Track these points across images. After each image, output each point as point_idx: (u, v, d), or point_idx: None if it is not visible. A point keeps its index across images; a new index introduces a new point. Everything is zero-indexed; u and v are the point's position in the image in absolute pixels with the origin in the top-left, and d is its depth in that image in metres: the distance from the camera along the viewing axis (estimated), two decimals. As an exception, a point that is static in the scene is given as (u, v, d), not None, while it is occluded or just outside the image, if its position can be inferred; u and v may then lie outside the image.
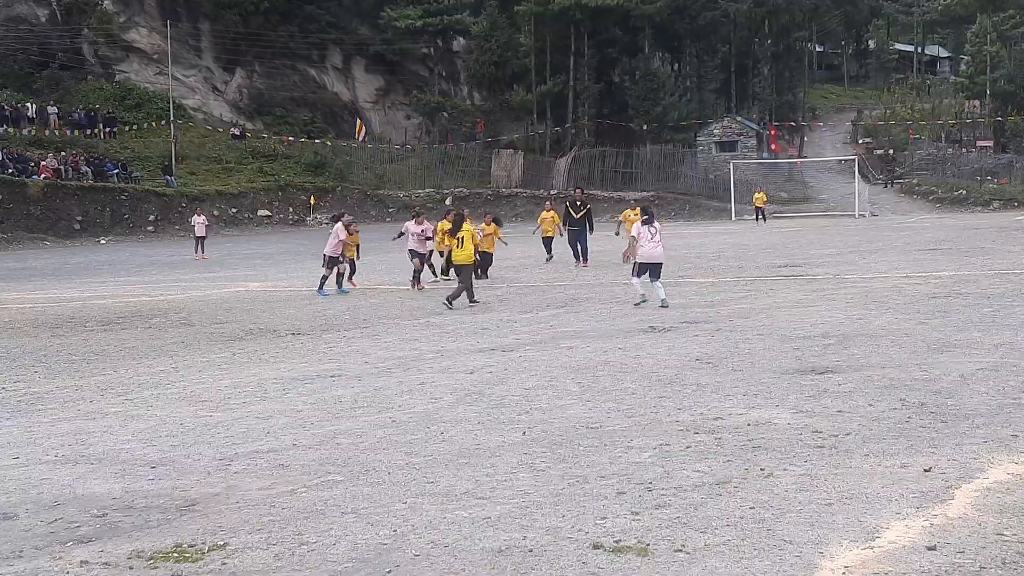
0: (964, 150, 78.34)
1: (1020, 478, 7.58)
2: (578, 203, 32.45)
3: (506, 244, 31.74)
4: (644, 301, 20.26)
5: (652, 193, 66.47)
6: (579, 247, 31.10)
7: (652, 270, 20.58)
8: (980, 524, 6.58)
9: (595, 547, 6.47)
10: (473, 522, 7.08)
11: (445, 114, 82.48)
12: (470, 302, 21.76)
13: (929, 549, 6.19)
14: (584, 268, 29.88)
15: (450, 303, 21.49)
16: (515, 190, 70.98)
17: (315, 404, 11.86)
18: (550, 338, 16.51)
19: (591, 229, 32.07)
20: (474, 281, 23.36)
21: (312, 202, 67.41)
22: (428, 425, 10.39)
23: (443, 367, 14.09)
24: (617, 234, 28.98)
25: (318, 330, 18.96)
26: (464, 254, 22.30)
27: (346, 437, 10.01)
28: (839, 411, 10.08)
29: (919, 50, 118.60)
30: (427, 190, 70.81)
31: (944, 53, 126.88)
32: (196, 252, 43.14)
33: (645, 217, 21.03)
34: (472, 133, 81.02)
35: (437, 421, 10.56)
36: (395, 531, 6.98)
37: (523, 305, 21.59)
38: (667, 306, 19.65)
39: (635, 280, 20.69)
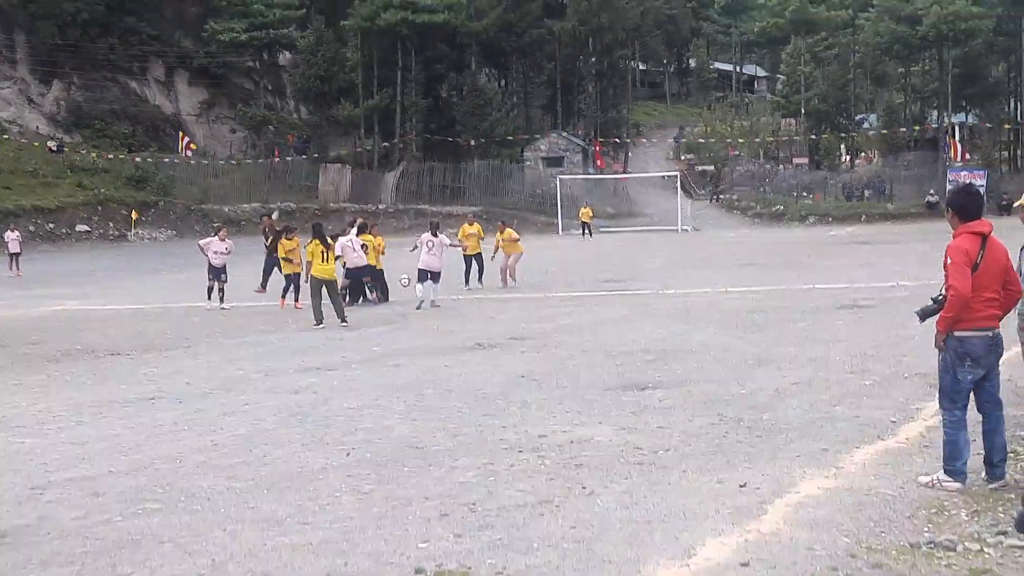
0: (781, 167, 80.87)
1: (830, 492, 7.82)
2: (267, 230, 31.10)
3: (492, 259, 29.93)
4: (421, 304, 23.19)
5: (480, 208, 66.74)
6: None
7: (431, 276, 23.66)
8: (792, 539, 6.77)
9: (417, 572, 6.44)
10: (294, 549, 6.97)
11: (271, 128, 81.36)
12: (315, 322, 21.20)
13: (743, 565, 6.33)
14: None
15: (344, 321, 20.98)
16: (343, 205, 70.37)
17: (133, 428, 11.54)
18: (377, 356, 16.43)
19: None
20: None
21: (134, 217, 65.71)
22: (250, 448, 10.20)
23: (267, 387, 13.87)
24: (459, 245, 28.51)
25: (138, 350, 18.46)
26: (326, 268, 21.55)
27: (165, 462, 9.76)
28: (660, 427, 10.26)
29: (738, 69, 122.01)
30: (253, 205, 69.65)
31: (762, 72, 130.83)
32: (11, 269, 41.60)
33: (430, 231, 24.52)
34: (299, 147, 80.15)
35: (260, 444, 10.38)
36: (214, 560, 6.83)
37: (351, 322, 21.41)
38: (438, 306, 23.16)
39: (418, 285, 23.58)
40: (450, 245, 25.86)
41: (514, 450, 9.55)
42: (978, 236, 7.87)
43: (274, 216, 65.81)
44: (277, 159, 76.38)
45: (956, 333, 7.84)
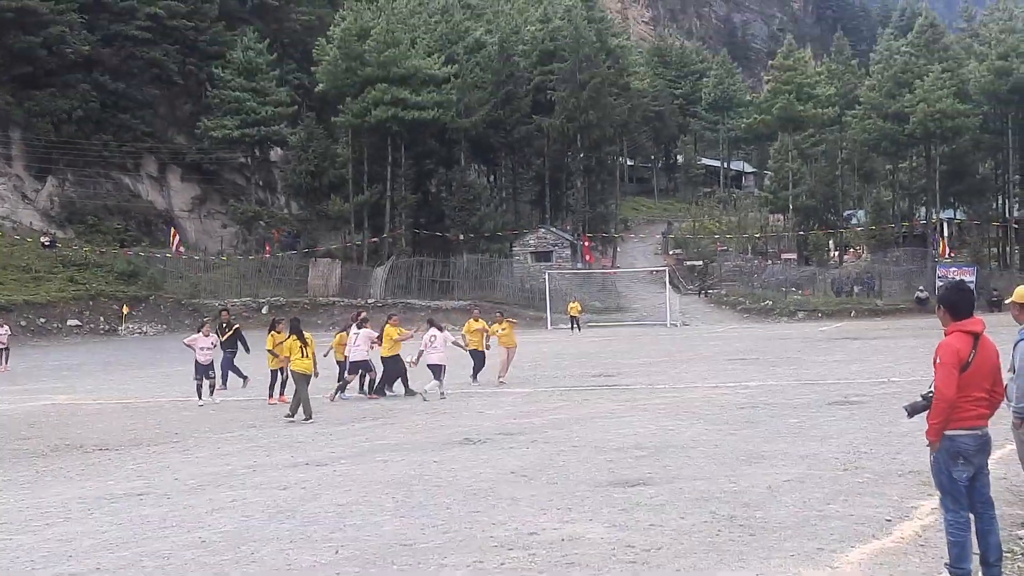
0: (769, 262, 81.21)
1: (824, 589, 7.74)
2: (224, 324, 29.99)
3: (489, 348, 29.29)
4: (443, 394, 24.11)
5: (469, 302, 66.78)
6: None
7: (436, 371, 24.49)
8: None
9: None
10: (282, 650, 6.86)
11: (262, 223, 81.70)
12: (305, 418, 21.12)
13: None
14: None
15: (291, 415, 21.13)
16: (332, 299, 70.42)
17: (121, 524, 11.43)
18: (366, 451, 16.34)
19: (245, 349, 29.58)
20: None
21: (125, 311, 65.69)
22: (238, 545, 10.09)
23: (255, 483, 13.77)
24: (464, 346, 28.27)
25: (127, 445, 18.36)
26: (305, 363, 21.63)
27: (152, 560, 9.64)
28: (651, 525, 10.17)
29: (725, 165, 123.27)
30: (244, 299, 69.72)
31: (749, 168, 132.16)
32: (-1, 364, 41.41)
33: (433, 329, 25.38)
34: (289, 242, 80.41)
35: (248, 540, 10.28)
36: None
37: (339, 417, 21.34)
38: (444, 397, 23.98)
39: (433, 382, 24.38)
40: (453, 343, 25.98)
41: (504, 548, 9.46)
42: (970, 335, 7.84)
43: (264, 311, 66.45)
44: (268, 254, 76.61)
45: (947, 432, 7.77)
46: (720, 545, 9.24)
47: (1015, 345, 9.21)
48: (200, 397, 25.16)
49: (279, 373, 24.89)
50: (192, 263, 74.27)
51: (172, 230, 77.21)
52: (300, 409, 21.07)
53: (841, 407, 19.53)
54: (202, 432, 19.88)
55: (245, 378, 27.31)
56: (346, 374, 25.59)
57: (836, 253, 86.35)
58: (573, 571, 8.53)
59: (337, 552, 9.61)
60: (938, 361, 7.77)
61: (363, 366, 25.42)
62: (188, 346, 26.14)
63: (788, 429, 16.81)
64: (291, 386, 22.67)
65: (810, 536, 9.48)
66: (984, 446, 7.89)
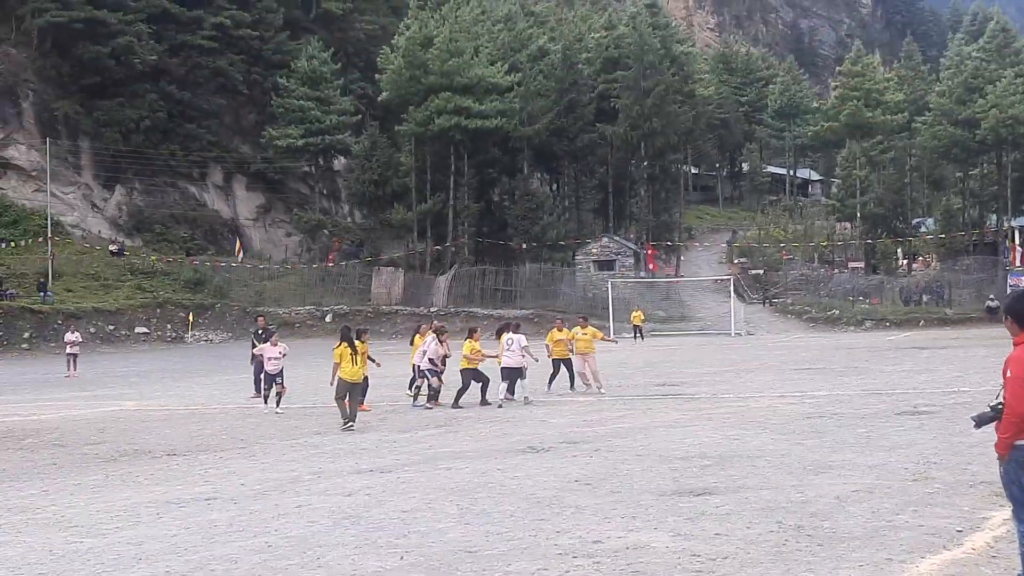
0: (836, 271, 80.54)
1: (893, 600, 7.68)
2: (260, 331, 30.57)
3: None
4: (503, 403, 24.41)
5: (531, 311, 66.86)
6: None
7: (517, 374, 25.14)
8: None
9: None
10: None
11: (326, 232, 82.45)
12: (344, 424, 21.26)
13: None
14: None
15: (352, 425, 21.16)
16: (395, 307, 70.91)
17: (189, 529, 11.59)
18: (429, 459, 16.41)
19: None
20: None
21: (191, 319, 66.53)
22: (304, 550, 10.20)
23: (320, 489, 13.89)
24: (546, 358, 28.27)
25: (194, 451, 18.60)
26: (353, 371, 21.74)
27: (220, 563, 9.77)
28: (717, 534, 10.14)
29: (791, 173, 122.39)
30: (307, 307, 70.39)
31: (816, 176, 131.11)
32: (68, 369, 42.05)
33: (510, 330, 26.08)
34: (352, 251, 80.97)
35: (313, 546, 10.38)
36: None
37: (402, 424, 21.47)
38: (531, 402, 24.56)
39: (501, 385, 24.85)
40: (523, 348, 25.68)
41: (568, 556, 9.47)
42: None
43: (327, 319, 66.96)
44: (331, 262, 77.20)
45: (1018, 442, 7.61)
46: (787, 555, 9.20)
47: None
48: (265, 403, 25.42)
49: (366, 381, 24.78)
50: (256, 272, 75.06)
51: (237, 239, 78.14)
52: (347, 416, 21.34)
53: (910, 417, 19.32)
54: (268, 438, 20.08)
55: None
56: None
57: (904, 262, 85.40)
58: (638, 579, 8.53)
59: (402, 558, 9.68)
60: (1008, 374, 7.62)
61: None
62: (256, 356, 26.38)
63: (856, 439, 16.66)
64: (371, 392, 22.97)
65: (879, 547, 9.40)
66: None
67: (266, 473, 15.63)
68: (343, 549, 10.17)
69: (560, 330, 29.01)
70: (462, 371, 25.27)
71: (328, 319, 67.53)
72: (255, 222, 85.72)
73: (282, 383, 25.36)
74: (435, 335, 25.62)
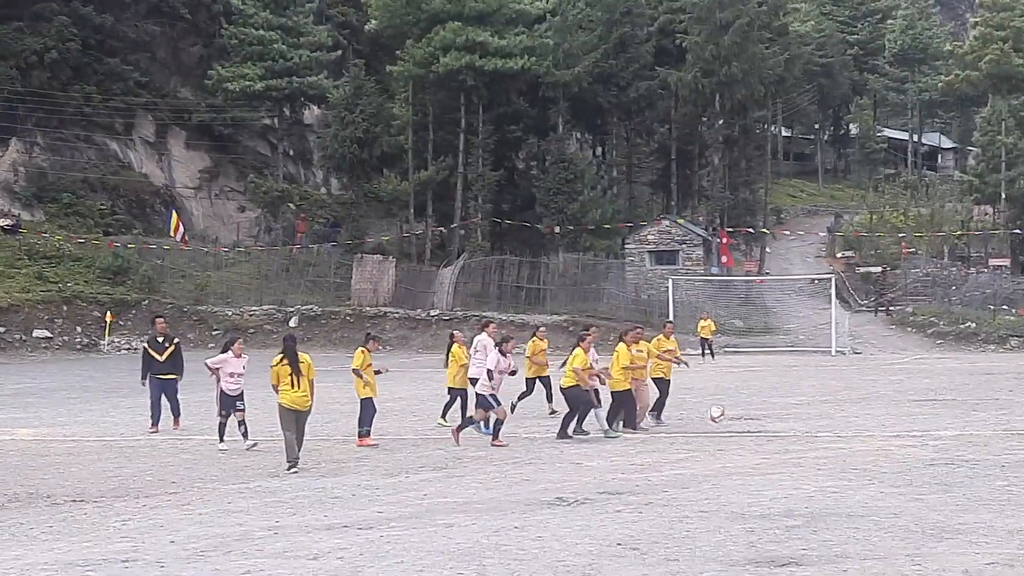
0: (973, 270, 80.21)
1: None
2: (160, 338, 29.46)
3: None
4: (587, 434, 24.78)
5: (564, 317, 66.84)
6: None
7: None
8: None
9: None
10: None
11: (292, 206, 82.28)
12: (287, 467, 21.36)
13: None
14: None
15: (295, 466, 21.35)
16: (383, 309, 70.68)
17: (99, 600, 11.64)
18: (423, 512, 16.44)
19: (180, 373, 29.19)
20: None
21: (109, 320, 66.55)
22: (253, 632, 10.24)
23: (277, 550, 13.92)
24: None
25: (109, 496, 18.67)
26: (294, 396, 21.58)
27: (139, 647, 9.81)
28: (805, 618, 10.14)
29: (915, 138, 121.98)
30: (265, 307, 70.28)
31: (947, 143, 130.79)
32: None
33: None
34: (327, 232, 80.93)
35: (265, 626, 10.43)
36: None
37: (389, 466, 21.49)
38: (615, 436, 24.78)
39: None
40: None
41: (606, 644, 9.50)
42: None
43: (292, 323, 67.02)
44: (299, 247, 77.19)
45: None
46: (898, 649, 9.20)
47: None
48: (222, 440, 25.04)
49: (371, 404, 24.84)
50: (199, 258, 75.09)
51: (173, 213, 78.08)
52: (292, 456, 21.46)
53: (1068, 467, 19.31)
54: (208, 481, 20.14)
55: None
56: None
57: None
58: (698, 677, 8.53)
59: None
60: None
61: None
62: (213, 370, 25.68)
63: (993, 495, 16.62)
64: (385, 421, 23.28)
65: (1021, 640, 9.41)
66: None
67: (205, 527, 15.66)
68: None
69: (668, 338, 29.84)
70: (565, 391, 25.37)
71: (293, 322, 67.53)
72: (197, 192, 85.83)
73: (244, 407, 25.26)
74: (497, 345, 25.80)
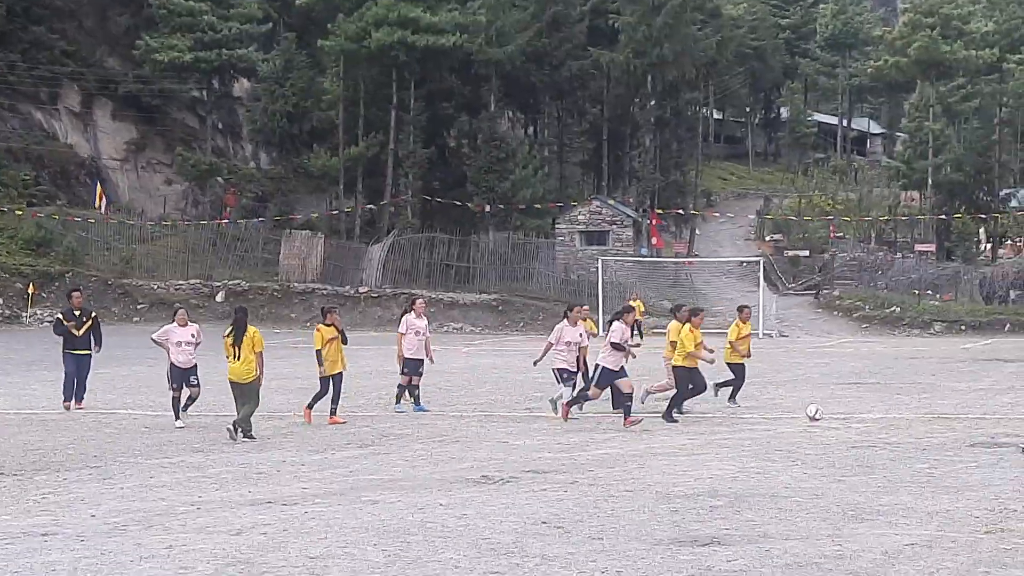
0: (899, 255, 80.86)
1: None
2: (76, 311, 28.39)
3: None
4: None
5: (494, 296, 66.88)
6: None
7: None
8: None
9: None
10: None
11: (220, 180, 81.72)
12: (235, 434, 21.66)
13: None
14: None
15: (234, 432, 21.59)
16: (311, 285, 70.42)
17: (18, 574, 11.53)
18: (348, 489, 16.42)
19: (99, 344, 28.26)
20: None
21: (31, 292, 65.97)
22: (174, 606, 10.20)
23: (199, 525, 13.87)
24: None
25: (29, 470, 18.52)
26: (238, 369, 21.90)
27: (58, 621, 9.76)
28: (727, 597, 10.21)
29: (844, 123, 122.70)
30: (192, 281, 69.89)
31: (876, 128, 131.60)
32: None
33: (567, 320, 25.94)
34: (255, 207, 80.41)
35: (187, 600, 10.38)
36: None
37: (315, 443, 21.44)
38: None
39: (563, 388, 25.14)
40: (617, 343, 24.90)
41: (529, 621, 9.53)
42: None
43: (219, 298, 66.69)
44: (226, 221, 76.70)
45: None
46: (818, 628, 9.29)
47: None
48: (178, 416, 24.41)
49: (329, 382, 24.71)
50: (124, 230, 74.42)
51: (98, 185, 77.42)
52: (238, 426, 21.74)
53: (986, 451, 19.51)
54: (130, 456, 20.01)
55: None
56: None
57: (988, 246, 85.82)
58: (619, 654, 8.58)
59: (305, 618, 9.69)
60: None
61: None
62: (159, 344, 25.05)
63: (914, 477, 16.82)
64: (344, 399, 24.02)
65: (939, 620, 9.52)
66: None
67: (126, 502, 15.59)
68: (227, 604, 10.17)
69: (746, 322, 29.07)
70: (675, 369, 25.08)
71: (220, 297, 67.19)
72: (124, 163, 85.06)
73: (198, 382, 24.70)
74: (570, 318, 25.87)
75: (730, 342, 28.39)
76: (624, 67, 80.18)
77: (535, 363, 26.42)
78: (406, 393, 26.47)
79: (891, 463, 18.17)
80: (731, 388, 27.88)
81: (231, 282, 69.42)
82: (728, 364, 27.98)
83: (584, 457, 19.25)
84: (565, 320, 25.72)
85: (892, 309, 67.88)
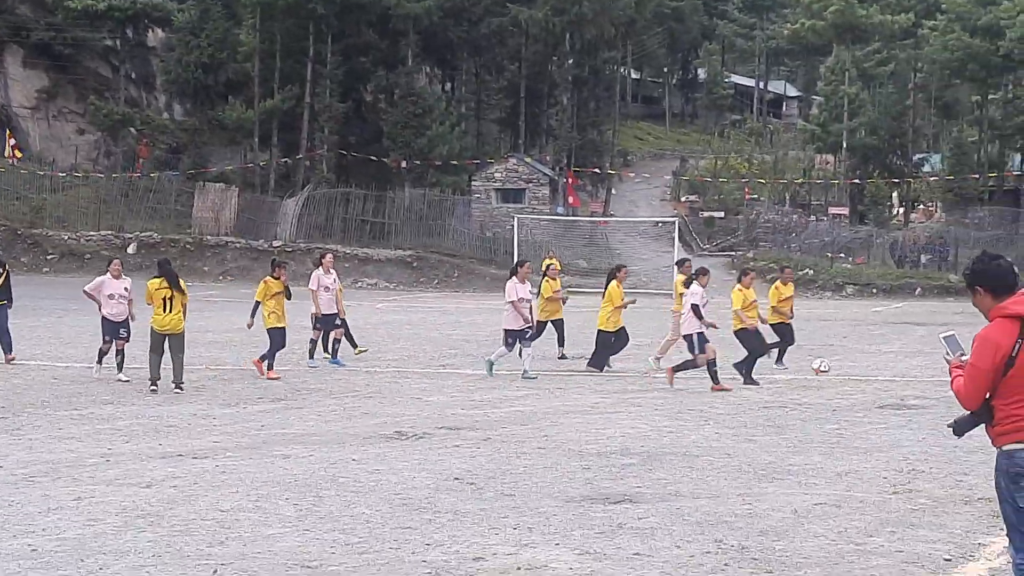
0: (812, 218, 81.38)
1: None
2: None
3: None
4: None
5: (409, 252, 66.79)
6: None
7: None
8: None
9: None
10: None
11: (133, 131, 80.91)
12: (149, 385, 21.78)
13: None
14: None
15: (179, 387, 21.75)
16: (224, 239, 70.02)
17: (-77, 524, 11.44)
18: (260, 443, 16.38)
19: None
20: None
21: (-64, 242, 65.26)
22: (82, 558, 10.11)
23: (109, 477, 13.79)
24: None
25: (-65, 420, 18.35)
26: (164, 320, 21.91)
27: (-36, 573, 9.67)
28: (637, 554, 10.26)
29: (761, 85, 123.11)
30: (103, 232, 69.26)
31: (792, 91, 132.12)
32: None
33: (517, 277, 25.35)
34: (169, 159, 79.68)
35: (96, 552, 10.30)
36: None
37: (226, 396, 21.35)
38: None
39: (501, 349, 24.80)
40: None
41: (440, 576, 9.53)
42: (1016, 320, 7.77)
43: (130, 249, 66.13)
44: (139, 173, 76.01)
45: (1005, 447, 7.81)
46: (727, 584, 9.36)
47: None
48: (100, 363, 24.13)
49: (278, 334, 24.64)
50: (34, 180, 73.63)
51: (7, 133, 76.51)
52: (153, 375, 21.93)
53: (895, 412, 19.72)
54: (39, 407, 19.85)
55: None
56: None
57: (901, 210, 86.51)
58: (530, 610, 8.61)
59: (215, 572, 9.65)
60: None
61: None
62: (91, 296, 24.42)
63: (824, 437, 16.99)
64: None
65: (845, 577, 9.61)
66: None
67: (35, 453, 15.48)
68: (135, 558, 10.11)
69: (785, 284, 29.20)
70: (738, 333, 25.04)
71: (131, 249, 66.56)
72: (35, 112, 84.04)
73: (127, 335, 24.06)
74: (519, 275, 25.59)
75: (772, 306, 28.60)
76: (543, 24, 79.91)
77: (525, 324, 25.31)
78: (323, 347, 26.71)
79: (802, 424, 18.34)
80: (777, 351, 27.97)
81: (143, 234, 68.82)
82: (772, 326, 27.89)
83: (498, 414, 19.29)
84: (514, 277, 25.45)
85: (805, 271, 68.31)
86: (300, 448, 15.82)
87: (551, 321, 29.36)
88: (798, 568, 9.84)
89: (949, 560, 10.14)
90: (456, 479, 13.72)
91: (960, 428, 8.14)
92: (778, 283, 29.32)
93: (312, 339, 26.82)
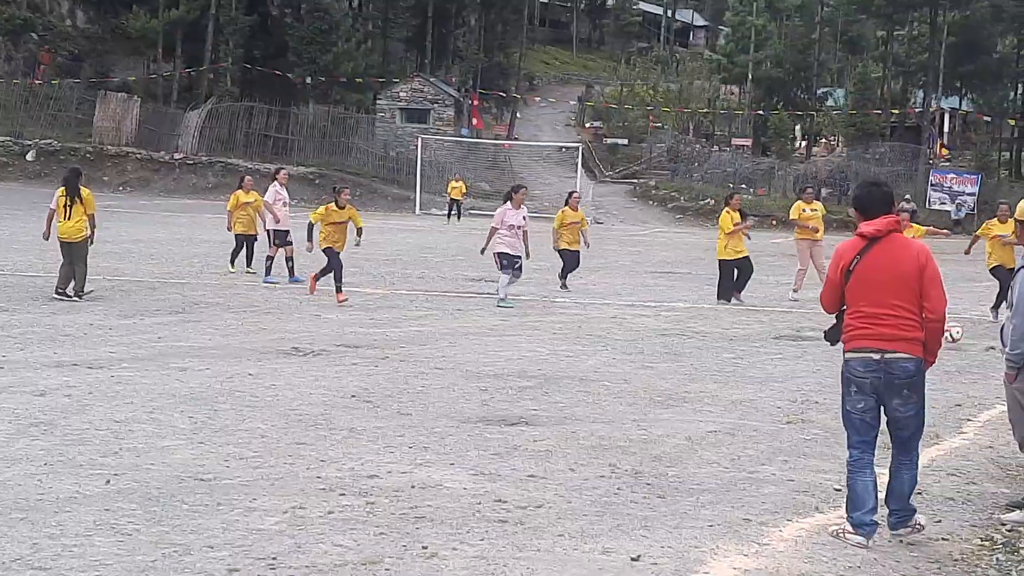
0: (716, 148, 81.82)
1: (748, 575, 7.93)
2: None
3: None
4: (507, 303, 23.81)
5: (312, 169, 66.40)
6: None
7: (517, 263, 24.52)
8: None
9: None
10: (25, 603, 6.87)
11: (34, 36, 79.78)
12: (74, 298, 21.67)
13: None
14: None
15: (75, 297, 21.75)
16: (125, 149, 69.37)
17: None
18: (156, 354, 16.27)
19: None
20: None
21: None
22: (-27, 465, 10.04)
23: (1, 385, 13.65)
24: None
25: None
26: (68, 227, 21.91)
27: None
28: (531, 475, 10.30)
29: (669, 14, 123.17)
30: (1, 138, 68.37)
31: (700, 21, 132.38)
32: None
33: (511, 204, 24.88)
34: (70, 66, 78.58)
35: (-14, 460, 10.22)
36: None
37: (124, 307, 21.17)
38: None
39: (503, 276, 24.30)
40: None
41: (334, 492, 9.52)
42: (863, 239, 8.68)
43: (29, 157, 65.29)
44: (40, 80, 74.96)
45: (845, 355, 8.78)
46: (618, 507, 9.41)
47: (1014, 274, 9.55)
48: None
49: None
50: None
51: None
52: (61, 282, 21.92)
53: (791, 343, 19.91)
54: (-67, 313, 19.63)
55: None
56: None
57: (803, 143, 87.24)
58: (423, 527, 8.62)
59: (108, 482, 9.58)
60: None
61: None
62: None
63: (720, 366, 17.11)
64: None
65: (736, 503, 9.69)
66: (885, 374, 8.54)
67: (-73, 359, 15.31)
68: (27, 466, 10.02)
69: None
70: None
71: (30, 156, 65.80)
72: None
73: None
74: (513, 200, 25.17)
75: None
76: (451, -58, 79.54)
77: (482, 251, 25.59)
78: (288, 266, 26.95)
79: (698, 352, 18.47)
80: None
81: (43, 141, 67.98)
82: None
83: (396, 334, 19.29)
84: (508, 203, 25.11)
85: (707, 201, 68.82)
86: (196, 361, 15.73)
87: (567, 251, 28.98)
88: (690, 494, 9.92)
89: (839, 490, 10.25)
90: (352, 396, 13.71)
91: (830, 336, 9.11)
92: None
93: (269, 255, 26.82)
